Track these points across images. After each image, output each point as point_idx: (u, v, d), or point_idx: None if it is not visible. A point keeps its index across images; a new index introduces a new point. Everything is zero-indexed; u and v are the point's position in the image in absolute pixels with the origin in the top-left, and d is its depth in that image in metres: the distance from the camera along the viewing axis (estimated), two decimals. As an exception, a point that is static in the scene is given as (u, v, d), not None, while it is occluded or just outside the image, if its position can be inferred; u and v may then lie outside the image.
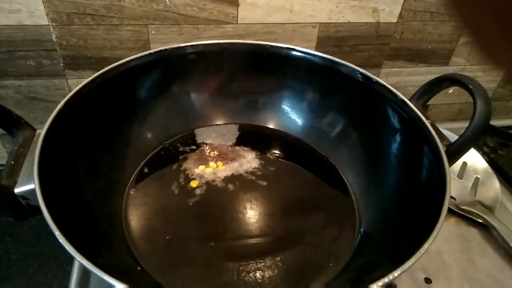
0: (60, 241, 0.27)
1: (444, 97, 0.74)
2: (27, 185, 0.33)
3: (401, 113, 0.43)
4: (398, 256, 0.30)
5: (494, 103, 0.78)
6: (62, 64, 0.56)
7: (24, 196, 0.33)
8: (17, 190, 0.33)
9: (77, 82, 0.43)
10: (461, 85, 0.42)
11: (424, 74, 0.69)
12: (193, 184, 0.47)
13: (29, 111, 0.60)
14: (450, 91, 0.74)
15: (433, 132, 0.39)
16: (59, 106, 0.37)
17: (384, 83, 0.44)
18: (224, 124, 0.55)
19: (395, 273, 0.27)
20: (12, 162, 0.35)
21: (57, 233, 0.27)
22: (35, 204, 0.33)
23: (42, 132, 0.35)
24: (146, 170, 0.48)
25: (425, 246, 0.29)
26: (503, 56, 0.14)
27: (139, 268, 0.37)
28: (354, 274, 0.38)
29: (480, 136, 0.40)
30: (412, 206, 0.39)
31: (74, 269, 0.43)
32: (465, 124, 0.40)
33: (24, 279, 0.52)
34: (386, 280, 0.27)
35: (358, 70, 0.46)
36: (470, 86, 0.41)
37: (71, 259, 0.44)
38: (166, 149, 0.51)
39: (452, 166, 0.38)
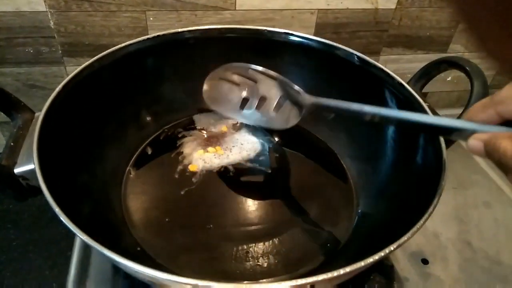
0: (60, 217, 0.27)
1: (442, 84, 0.74)
2: (27, 165, 0.34)
3: (399, 95, 0.43)
4: (395, 234, 0.31)
5: (492, 90, 0.78)
6: (60, 51, 0.56)
7: (24, 176, 0.34)
8: (16, 170, 0.34)
9: (76, 69, 0.43)
10: (458, 67, 0.42)
11: (423, 61, 0.69)
12: (192, 168, 0.47)
13: (27, 99, 0.60)
14: (448, 79, 0.74)
15: (431, 114, 0.40)
16: (57, 89, 0.38)
17: (382, 66, 0.44)
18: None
19: (391, 247, 0.28)
20: (12, 144, 0.35)
21: (57, 210, 0.28)
22: (35, 184, 0.33)
23: (41, 114, 0.35)
24: (145, 153, 0.48)
25: (421, 221, 0.30)
26: (496, 46, 0.14)
27: (138, 249, 0.38)
28: (352, 253, 0.38)
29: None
30: (409, 186, 0.39)
31: (74, 254, 0.43)
32: (464, 112, 0.40)
33: (25, 264, 0.52)
34: (382, 254, 0.28)
35: (355, 54, 0.46)
36: (467, 68, 0.41)
37: (71, 245, 0.45)
38: (165, 134, 0.51)
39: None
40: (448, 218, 0.49)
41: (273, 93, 0.40)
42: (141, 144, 0.49)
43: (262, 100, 0.40)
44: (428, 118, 0.30)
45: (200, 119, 0.54)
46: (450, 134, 0.28)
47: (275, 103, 0.40)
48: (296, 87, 0.38)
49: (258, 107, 0.41)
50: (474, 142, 0.25)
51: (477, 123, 0.26)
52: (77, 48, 0.57)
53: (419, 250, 0.44)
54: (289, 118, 0.39)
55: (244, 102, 0.41)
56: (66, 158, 0.37)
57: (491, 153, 0.24)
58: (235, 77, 0.41)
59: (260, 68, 0.40)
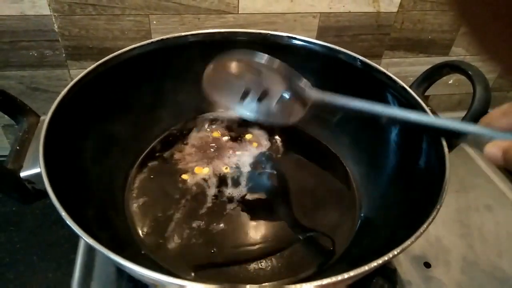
0: (67, 221, 0.28)
1: (444, 87, 0.74)
2: (33, 169, 0.34)
3: (401, 99, 0.43)
4: (398, 238, 0.31)
5: (494, 93, 0.78)
6: (64, 55, 0.57)
7: (30, 180, 0.34)
8: (22, 174, 0.34)
9: (79, 73, 0.43)
10: (461, 71, 0.42)
11: (424, 64, 0.69)
12: (197, 171, 0.47)
13: (31, 102, 0.60)
14: (450, 82, 0.74)
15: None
16: (62, 93, 0.38)
17: (384, 70, 0.45)
18: (226, 112, 0.56)
19: (395, 251, 0.28)
20: (18, 148, 0.36)
21: (63, 214, 0.28)
22: (41, 188, 0.33)
23: (46, 117, 0.35)
24: (149, 157, 0.48)
25: (424, 225, 0.30)
26: (498, 49, 0.14)
27: (142, 252, 0.38)
28: (355, 257, 0.38)
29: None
30: (412, 190, 0.39)
31: (78, 257, 0.44)
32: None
33: (28, 267, 0.52)
34: (386, 258, 0.28)
35: (358, 58, 0.47)
36: (469, 72, 0.41)
37: (74, 247, 0.45)
38: (169, 137, 0.51)
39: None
40: (450, 221, 0.49)
41: (277, 86, 0.38)
42: (146, 147, 0.49)
43: (265, 92, 0.38)
44: (444, 122, 0.30)
45: (203, 121, 0.54)
46: (465, 139, 0.27)
47: (278, 97, 0.38)
48: (302, 81, 0.36)
49: (259, 100, 0.38)
50: (493, 149, 0.24)
51: (496, 130, 0.25)
52: (80, 52, 0.57)
53: (421, 254, 0.44)
54: (292, 114, 0.38)
55: (246, 93, 0.39)
56: (72, 161, 0.37)
57: (509, 161, 0.23)
58: (239, 66, 0.38)
59: (265, 57, 0.37)
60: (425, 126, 0.30)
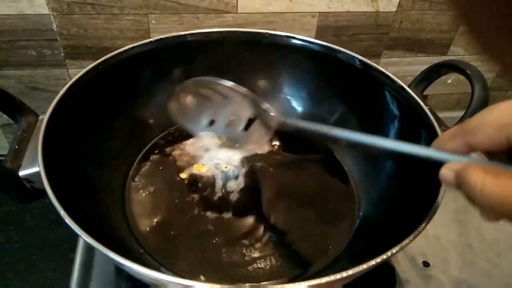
0: (66, 220, 0.28)
1: (443, 87, 0.74)
2: (31, 168, 0.34)
3: (400, 99, 0.43)
4: (397, 237, 0.31)
5: (492, 93, 0.78)
6: (63, 54, 0.57)
7: (29, 179, 0.34)
8: (21, 173, 0.34)
9: (78, 72, 0.43)
10: (459, 71, 0.43)
11: (423, 63, 0.69)
12: (196, 168, 0.47)
13: (30, 101, 0.60)
14: (449, 81, 0.74)
15: (432, 117, 0.40)
16: (61, 92, 0.38)
17: (383, 69, 0.45)
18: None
19: (394, 250, 0.28)
20: (16, 147, 0.36)
21: (62, 213, 0.28)
22: (39, 187, 0.33)
23: (45, 116, 0.35)
24: (148, 156, 0.48)
25: (423, 224, 0.30)
26: (497, 48, 0.14)
27: (141, 251, 0.38)
28: (354, 256, 0.38)
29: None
30: (410, 189, 0.39)
31: (77, 257, 0.43)
32: (464, 114, 0.41)
33: (27, 266, 0.53)
34: (384, 257, 0.28)
35: (356, 57, 0.47)
36: (467, 71, 0.41)
37: (73, 247, 0.45)
38: (169, 136, 0.51)
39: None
40: (449, 221, 0.49)
41: (243, 111, 0.38)
42: (145, 146, 0.49)
43: (231, 117, 0.38)
44: (397, 145, 0.29)
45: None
46: (421, 161, 0.26)
47: (245, 122, 0.38)
48: (265, 105, 0.36)
49: (226, 125, 0.39)
50: (446, 172, 0.24)
51: (447, 153, 0.25)
52: (79, 51, 0.57)
53: (420, 253, 0.44)
54: (258, 138, 0.38)
55: (213, 118, 0.39)
56: (70, 160, 0.37)
57: (461, 184, 0.22)
58: (205, 92, 0.39)
59: (230, 83, 0.37)
60: (384, 150, 0.30)
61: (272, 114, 0.36)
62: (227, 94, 0.38)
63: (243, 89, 0.37)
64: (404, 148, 0.28)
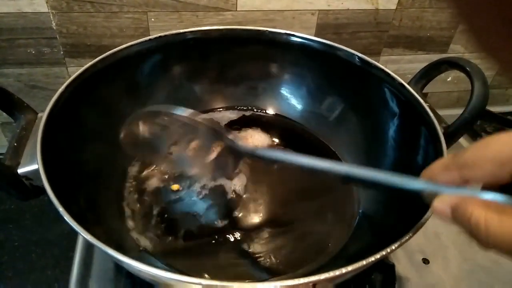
0: (64, 217, 0.28)
1: (443, 84, 0.74)
2: (30, 165, 0.34)
3: (399, 96, 0.43)
4: (396, 234, 0.31)
5: (492, 90, 0.78)
6: (62, 52, 0.57)
7: (28, 176, 0.34)
8: (20, 170, 0.34)
9: (77, 70, 0.43)
10: (459, 67, 0.43)
11: (423, 61, 0.69)
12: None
13: (29, 100, 0.60)
14: (449, 79, 0.74)
15: (431, 114, 0.40)
16: (60, 89, 0.38)
17: (382, 66, 0.45)
18: (224, 109, 0.56)
19: (393, 246, 0.28)
20: (15, 144, 0.36)
21: (61, 209, 0.28)
22: (38, 184, 0.33)
23: (44, 114, 0.35)
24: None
25: (422, 221, 0.30)
26: (496, 46, 0.14)
27: (141, 248, 0.38)
28: (353, 252, 0.38)
29: (477, 118, 0.41)
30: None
31: (77, 254, 0.44)
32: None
33: (27, 265, 0.52)
34: (383, 253, 0.28)
35: (356, 55, 0.47)
36: (467, 68, 0.41)
37: (73, 245, 0.45)
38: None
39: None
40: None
41: (206, 140, 0.34)
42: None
43: (193, 148, 0.35)
44: (383, 177, 0.27)
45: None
46: (411, 194, 0.25)
47: (209, 150, 0.35)
48: (231, 134, 0.33)
49: (189, 156, 0.35)
50: (441, 205, 0.23)
51: (441, 185, 0.23)
52: (79, 49, 0.57)
53: (420, 250, 0.44)
54: (226, 167, 0.35)
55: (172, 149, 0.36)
56: (69, 158, 0.37)
57: (460, 220, 0.21)
58: (161, 121, 0.35)
59: (187, 113, 0.33)
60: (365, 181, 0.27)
61: (238, 142, 0.33)
62: (187, 123, 0.34)
63: (203, 120, 0.34)
64: (393, 181, 0.26)
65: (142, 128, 0.35)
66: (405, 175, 0.26)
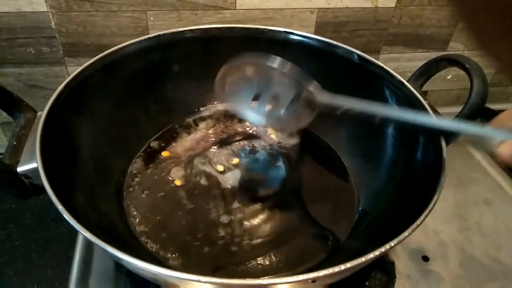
0: (64, 215, 0.28)
1: (442, 82, 0.74)
2: (30, 164, 0.34)
3: (399, 93, 0.43)
4: (396, 231, 0.31)
5: (492, 88, 0.78)
6: (61, 52, 0.57)
7: (27, 175, 0.34)
8: (19, 169, 0.34)
9: (77, 69, 0.43)
10: (458, 65, 0.42)
11: (423, 59, 0.68)
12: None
13: (29, 99, 0.60)
14: (448, 77, 0.74)
15: (431, 112, 0.40)
16: (59, 88, 0.38)
17: (382, 64, 0.45)
18: (223, 108, 0.56)
19: (392, 243, 0.28)
20: (15, 143, 0.36)
21: (60, 208, 0.28)
22: (38, 183, 0.33)
23: (43, 113, 0.35)
24: (147, 152, 0.48)
25: (421, 218, 0.30)
26: (495, 44, 0.14)
27: (140, 247, 0.38)
28: (353, 250, 0.38)
29: (476, 115, 0.40)
30: (409, 183, 0.39)
31: (77, 253, 0.44)
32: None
33: (27, 264, 0.52)
34: (382, 250, 0.28)
35: (355, 52, 0.46)
36: (467, 65, 0.41)
37: (73, 244, 0.45)
38: (167, 133, 0.51)
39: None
40: (449, 215, 0.49)
41: (287, 92, 0.37)
42: (143, 143, 0.49)
43: (274, 98, 0.38)
44: (453, 124, 0.30)
45: (200, 117, 0.54)
46: (473, 141, 0.28)
47: (288, 103, 0.37)
48: (312, 85, 0.36)
49: (269, 106, 0.38)
50: (508, 150, 0.24)
51: (508, 131, 0.25)
52: (78, 48, 0.57)
53: (419, 247, 0.44)
54: (300, 119, 0.37)
55: (256, 98, 0.39)
56: (68, 156, 0.37)
57: None
58: (251, 70, 0.38)
59: (277, 61, 0.36)
60: (430, 127, 0.30)
61: (318, 93, 0.35)
62: (273, 72, 0.37)
63: (289, 67, 0.37)
64: (462, 127, 0.29)
65: (233, 76, 0.38)
66: (475, 123, 0.28)
